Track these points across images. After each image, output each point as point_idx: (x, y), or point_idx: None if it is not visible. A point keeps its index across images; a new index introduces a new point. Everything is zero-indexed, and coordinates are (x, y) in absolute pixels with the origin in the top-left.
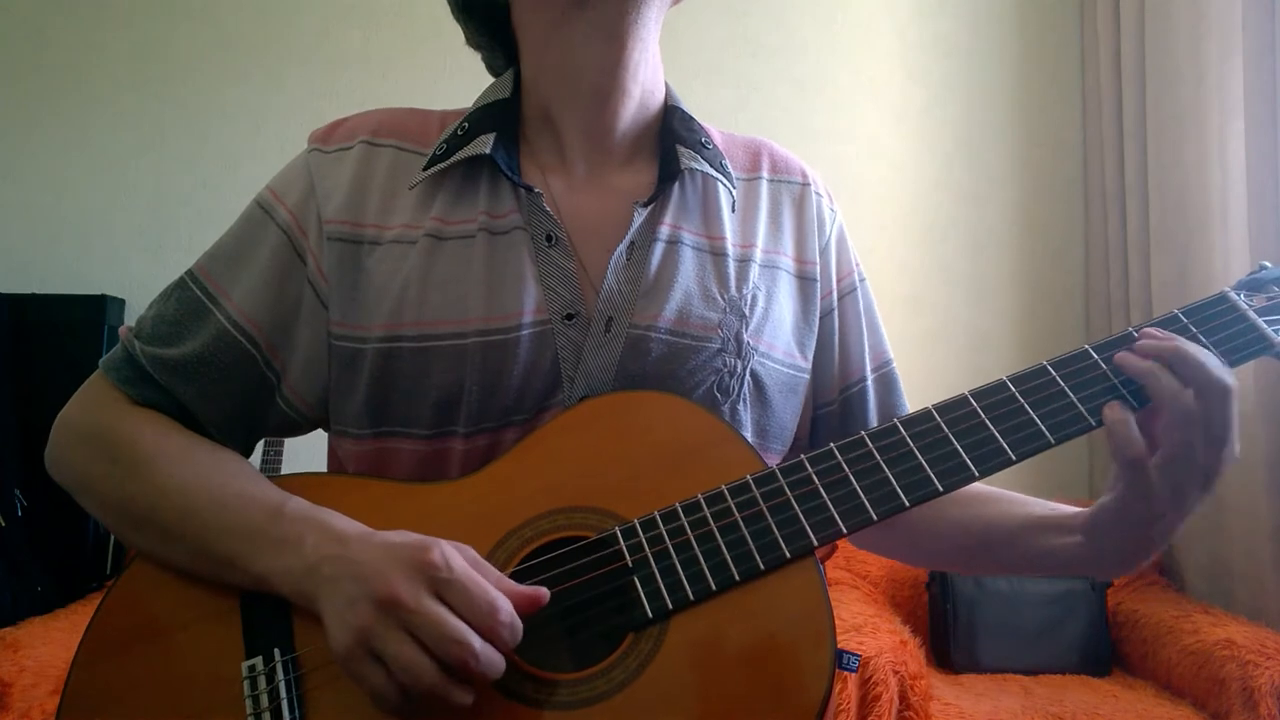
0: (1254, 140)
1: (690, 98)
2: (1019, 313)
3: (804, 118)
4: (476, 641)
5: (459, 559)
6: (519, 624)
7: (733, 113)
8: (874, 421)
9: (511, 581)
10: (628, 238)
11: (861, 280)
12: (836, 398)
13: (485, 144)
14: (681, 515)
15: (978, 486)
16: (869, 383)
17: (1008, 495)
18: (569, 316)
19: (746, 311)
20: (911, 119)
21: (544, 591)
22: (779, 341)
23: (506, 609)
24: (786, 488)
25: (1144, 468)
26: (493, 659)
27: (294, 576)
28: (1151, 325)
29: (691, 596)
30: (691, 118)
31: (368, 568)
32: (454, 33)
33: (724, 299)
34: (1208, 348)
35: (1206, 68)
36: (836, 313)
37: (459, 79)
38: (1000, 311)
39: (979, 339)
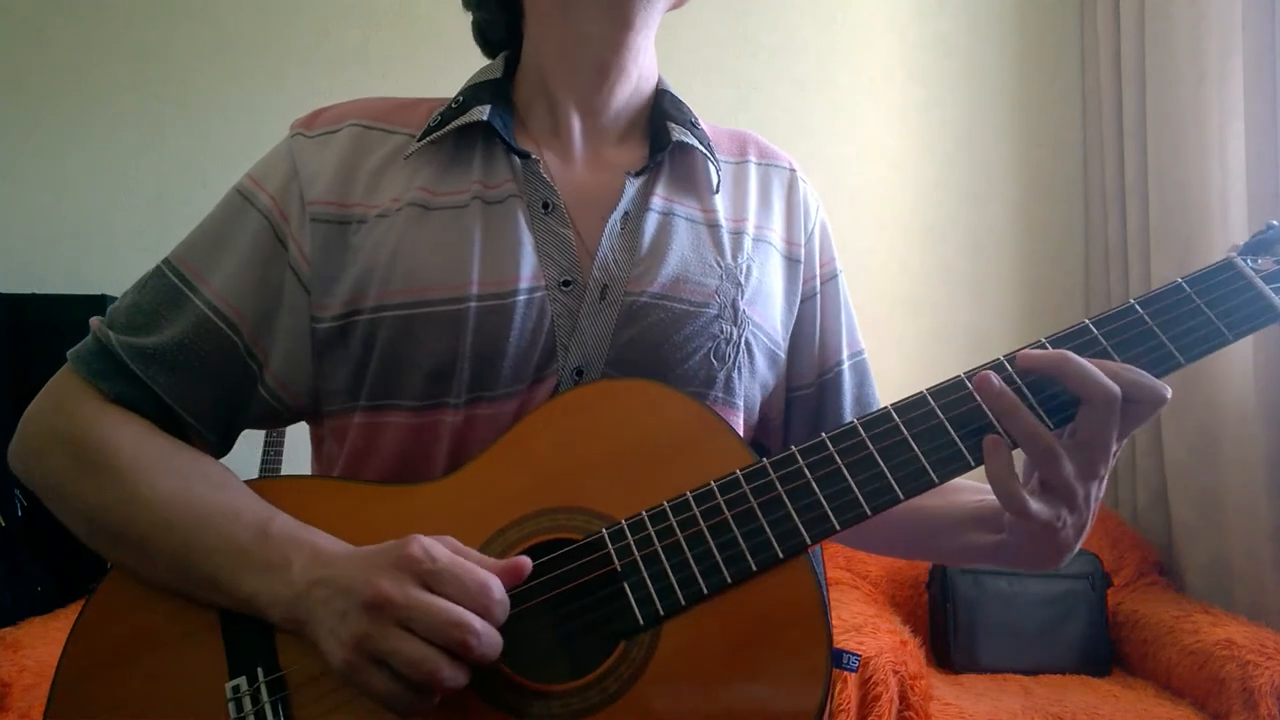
0: (1254, 140)
1: (690, 98)
2: (1019, 313)
3: (804, 118)
4: (476, 620)
5: (441, 548)
6: (507, 600)
7: (733, 113)
8: (848, 406)
9: (491, 559)
10: (621, 207)
11: (840, 270)
12: (814, 381)
13: (482, 112)
14: (670, 515)
15: None
16: (845, 368)
17: (952, 484)
18: (565, 283)
19: (742, 280)
20: (911, 119)
21: (525, 561)
22: (769, 314)
23: (498, 585)
24: (777, 483)
25: (1026, 510)
26: (494, 637)
27: (282, 603)
28: (1154, 293)
29: (683, 601)
30: (681, 101)
31: (353, 580)
32: (454, 33)
33: (720, 266)
34: (1213, 320)
35: (1206, 68)
36: (819, 298)
37: (459, 79)
38: (1000, 311)
39: (979, 339)
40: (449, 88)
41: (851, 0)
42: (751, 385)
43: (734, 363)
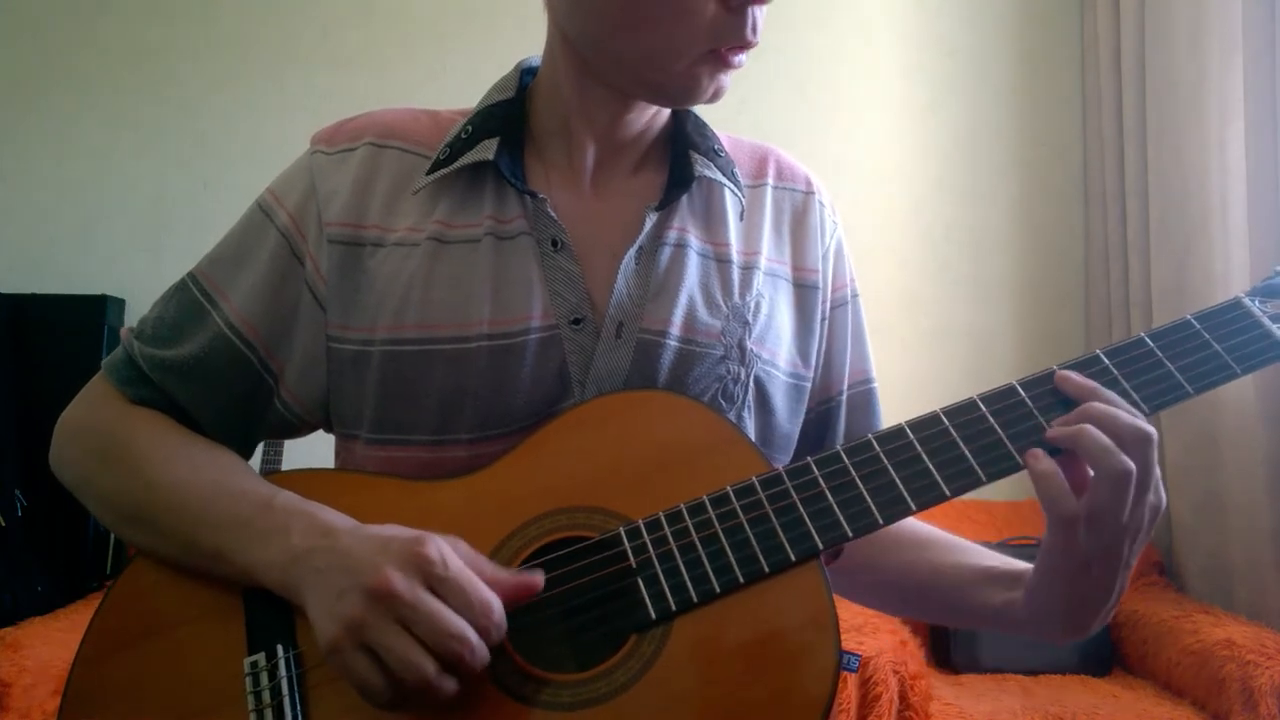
0: (1254, 140)
1: None
2: (1019, 313)
3: (804, 118)
4: (474, 637)
5: (454, 555)
6: (505, 622)
7: (733, 114)
8: (840, 439)
9: (505, 571)
10: (638, 242)
11: (854, 296)
12: (813, 409)
13: (489, 149)
14: (686, 516)
15: (933, 531)
16: (843, 399)
17: (961, 544)
18: (576, 321)
19: (750, 318)
20: (912, 119)
21: (537, 579)
22: (782, 349)
23: (499, 609)
24: (792, 490)
25: (1074, 525)
26: (484, 655)
27: (278, 567)
28: (1164, 328)
29: (695, 598)
30: (704, 123)
31: (359, 560)
32: (452, 33)
33: (727, 306)
34: (1221, 354)
35: (1206, 68)
36: (828, 323)
37: (457, 78)
38: (1000, 311)
39: (979, 339)
40: (448, 87)
41: (852, 0)
42: (768, 422)
43: (742, 402)
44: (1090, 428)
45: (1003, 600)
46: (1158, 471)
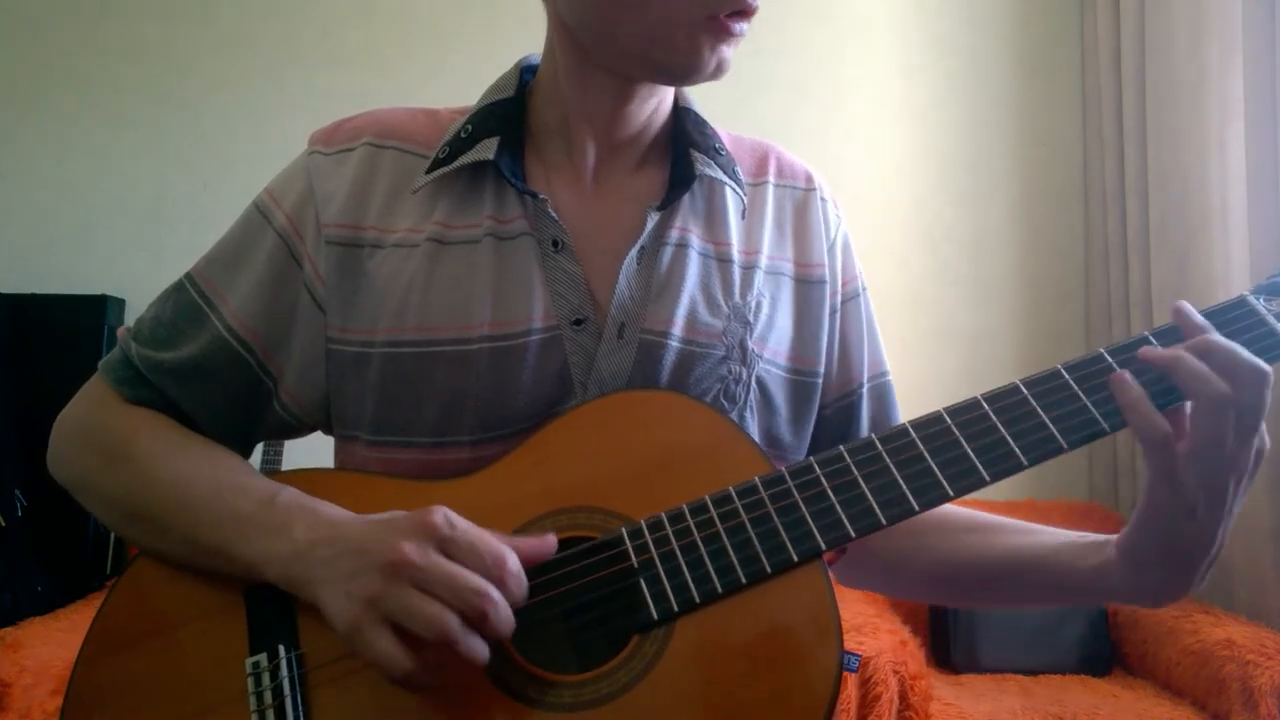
0: (1254, 140)
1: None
2: (1019, 313)
3: (803, 118)
4: (493, 590)
5: (460, 518)
6: (524, 578)
7: (732, 113)
8: (864, 432)
9: (520, 537)
10: (639, 242)
11: (864, 289)
12: (832, 403)
13: (489, 149)
14: (688, 517)
15: (995, 516)
16: (864, 392)
17: (1029, 524)
18: (577, 322)
19: (751, 318)
20: (911, 119)
21: (550, 540)
22: (783, 348)
23: (514, 559)
24: (794, 490)
25: (1171, 452)
26: (508, 612)
27: (282, 561)
28: (1169, 325)
29: (697, 599)
30: (704, 120)
31: (368, 541)
32: (451, 32)
33: (728, 305)
34: None
35: (1206, 68)
36: (839, 317)
37: (458, 79)
38: (1000, 311)
39: (979, 339)
40: (448, 87)
41: (851, 0)
42: (771, 422)
43: (745, 402)
44: (1187, 354)
45: (1093, 565)
46: (1264, 411)
